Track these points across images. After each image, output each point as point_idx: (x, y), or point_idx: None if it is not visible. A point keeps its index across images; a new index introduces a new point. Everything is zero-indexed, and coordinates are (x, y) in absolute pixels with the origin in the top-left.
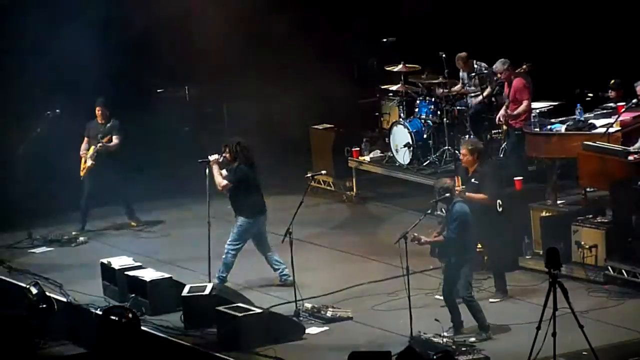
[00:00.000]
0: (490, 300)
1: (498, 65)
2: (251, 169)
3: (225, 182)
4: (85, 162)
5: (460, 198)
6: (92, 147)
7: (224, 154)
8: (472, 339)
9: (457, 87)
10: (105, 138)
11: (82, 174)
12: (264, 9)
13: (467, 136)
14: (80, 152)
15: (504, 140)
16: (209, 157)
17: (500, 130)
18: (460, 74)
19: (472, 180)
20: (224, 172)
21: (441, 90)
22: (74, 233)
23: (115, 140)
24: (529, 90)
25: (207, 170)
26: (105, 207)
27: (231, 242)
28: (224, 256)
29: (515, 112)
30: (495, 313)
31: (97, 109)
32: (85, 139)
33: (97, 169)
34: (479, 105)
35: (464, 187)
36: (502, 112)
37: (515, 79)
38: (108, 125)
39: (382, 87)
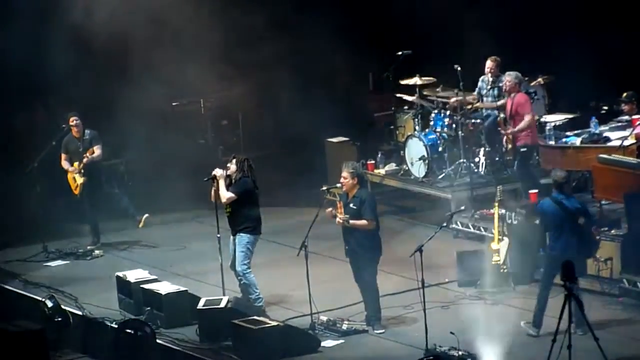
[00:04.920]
0: (377, 330)
1: (510, 77)
2: (254, 184)
3: (230, 194)
4: (75, 180)
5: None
6: (76, 163)
7: (228, 165)
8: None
9: (472, 97)
10: (88, 151)
11: (76, 192)
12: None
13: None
14: (69, 171)
15: (511, 158)
16: (214, 172)
17: (505, 148)
18: (479, 83)
19: (351, 205)
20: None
21: (454, 99)
22: (89, 247)
23: (97, 150)
24: (531, 105)
25: (212, 186)
26: (120, 221)
27: (243, 262)
28: (245, 280)
29: (518, 127)
30: (511, 324)
31: (72, 119)
32: (64, 155)
33: (90, 183)
34: (494, 118)
35: (347, 216)
36: (508, 130)
37: (518, 94)
38: (85, 137)
39: (398, 99)
